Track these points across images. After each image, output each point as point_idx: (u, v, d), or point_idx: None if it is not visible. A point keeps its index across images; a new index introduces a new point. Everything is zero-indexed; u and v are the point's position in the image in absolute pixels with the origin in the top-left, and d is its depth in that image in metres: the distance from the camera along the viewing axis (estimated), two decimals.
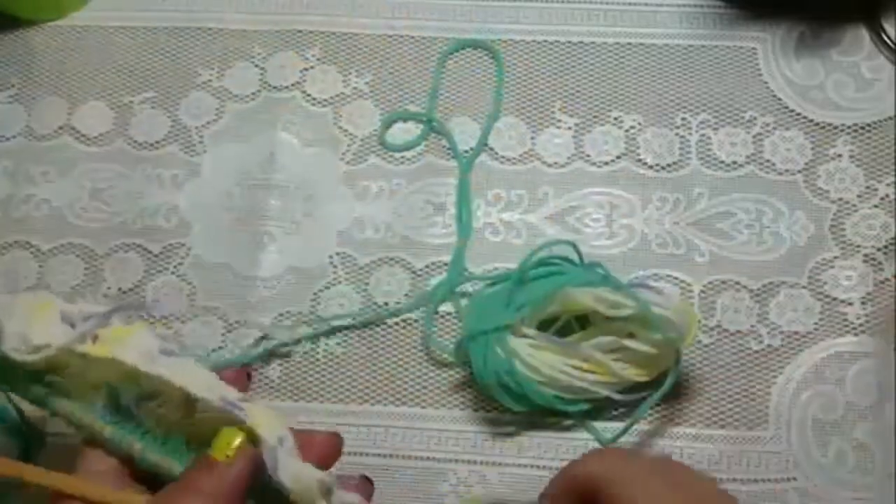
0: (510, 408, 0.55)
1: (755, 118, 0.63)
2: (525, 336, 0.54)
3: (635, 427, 0.55)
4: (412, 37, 0.67)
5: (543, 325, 0.55)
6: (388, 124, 0.64)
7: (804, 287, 0.59)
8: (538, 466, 0.56)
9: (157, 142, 0.66)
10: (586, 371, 0.53)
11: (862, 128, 0.62)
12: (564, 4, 0.67)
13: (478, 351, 0.54)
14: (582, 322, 0.56)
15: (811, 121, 0.63)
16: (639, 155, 0.63)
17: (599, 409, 0.56)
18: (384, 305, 0.60)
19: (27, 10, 0.69)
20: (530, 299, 0.54)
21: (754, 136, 0.63)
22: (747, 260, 0.59)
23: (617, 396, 0.53)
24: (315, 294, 0.61)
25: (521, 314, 0.54)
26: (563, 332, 0.55)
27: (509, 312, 0.54)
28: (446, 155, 0.64)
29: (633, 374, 0.54)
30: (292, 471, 0.40)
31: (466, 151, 0.63)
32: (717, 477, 0.55)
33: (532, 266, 0.56)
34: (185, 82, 0.67)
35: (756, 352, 0.58)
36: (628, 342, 0.53)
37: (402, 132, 0.65)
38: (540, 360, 0.53)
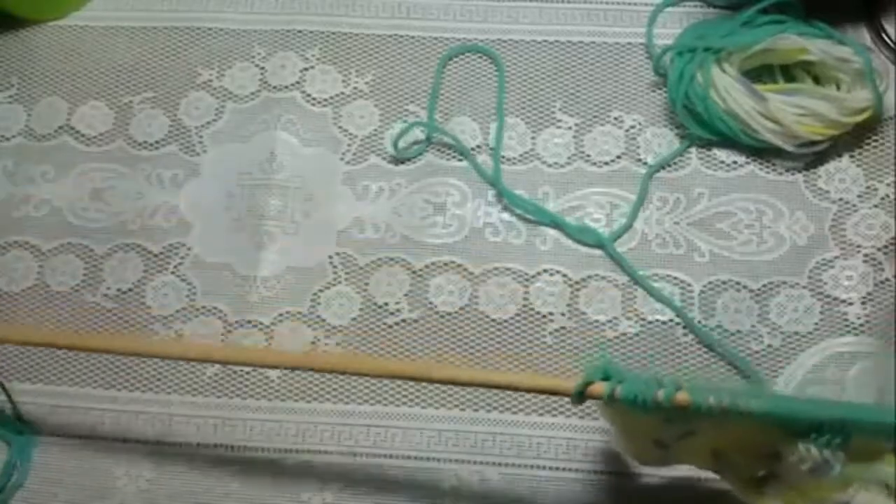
0: (691, 130, 0.61)
1: None
2: (726, 73, 0.59)
3: None
4: (412, 37, 0.67)
5: (747, 75, 0.60)
6: (396, 138, 0.63)
7: (804, 287, 0.59)
8: (538, 466, 0.56)
9: (157, 142, 0.66)
10: (769, 120, 0.59)
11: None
12: (564, 4, 0.67)
13: (680, 66, 0.60)
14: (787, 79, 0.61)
15: None
16: (639, 155, 0.62)
17: (777, 151, 0.60)
18: (384, 305, 0.60)
19: (27, 10, 0.69)
20: (748, 38, 0.59)
21: None
22: (747, 260, 0.59)
23: (790, 148, 0.59)
24: (315, 294, 0.61)
25: (733, 45, 0.59)
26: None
27: (724, 42, 0.59)
28: (446, 155, 0.64)
29: (808, 131, 0.59)
30: None
31: (472, 149, 0.64)
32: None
33: (759, 10, 0.61)
34: (185, 82, 0.67)
35: (756, 352, 0.57)
36: (818, 102, 0.58)
37: (405, 134, 0.64)
38: (733, 98, 0.59)
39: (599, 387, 0.40)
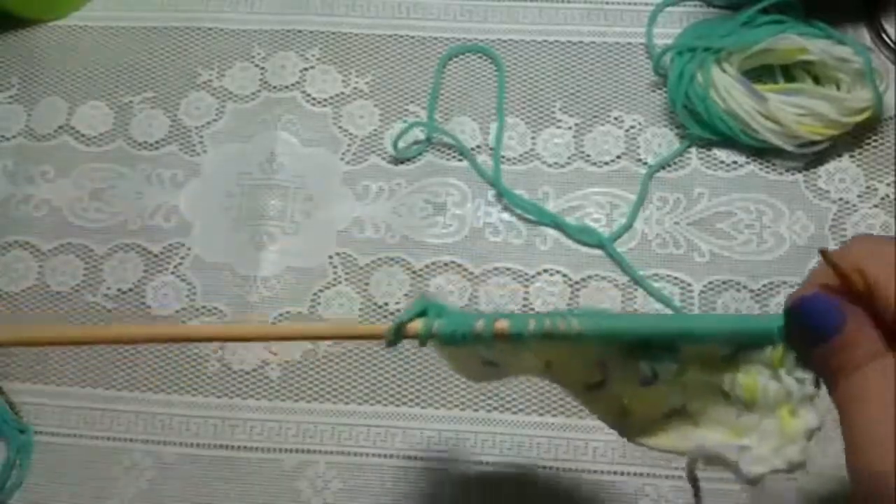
0: (691, 130, 0.61)
1: None
2: (726, 73, 0.59)
3: None
4: (412, 37, 0.67)
5: (747, 75, 0.60)
6: (396, 138, 0.63)
7: None
8: (539, 466, 0.56)
9: (157, 142, 0.66)
10: (769, 120, 0.59)
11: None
12: (564, 4, 0.67)
13: (679, 66, 0.60)
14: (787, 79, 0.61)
15: None
16: (639, 155, 0.63)
17: (777, 150, 0.60)
18: (384, 305, 0.60)
19: (27, 10, 0.69)
20: (749, 38, 0.59)
21: None
22: (747, 260, 0.59)
23: (790, 148, 0.59)
24: (315, 294, 0.61)
25: (733, 45, 0.59)
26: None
27: (724, 42, 0.59)
28: (446, 155, 0.64)
29: (808, 131, 0.59)
30: None
31: (472, 149, 0.64)
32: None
33: (759, 10, 0.60)
34: (185, 82, 0.67)
35: None
36: (818, 102, 0.58)
37: (405, 134, 0.64)
38: (733, 98, 0.59)
39: (416, 325, 0.39)
